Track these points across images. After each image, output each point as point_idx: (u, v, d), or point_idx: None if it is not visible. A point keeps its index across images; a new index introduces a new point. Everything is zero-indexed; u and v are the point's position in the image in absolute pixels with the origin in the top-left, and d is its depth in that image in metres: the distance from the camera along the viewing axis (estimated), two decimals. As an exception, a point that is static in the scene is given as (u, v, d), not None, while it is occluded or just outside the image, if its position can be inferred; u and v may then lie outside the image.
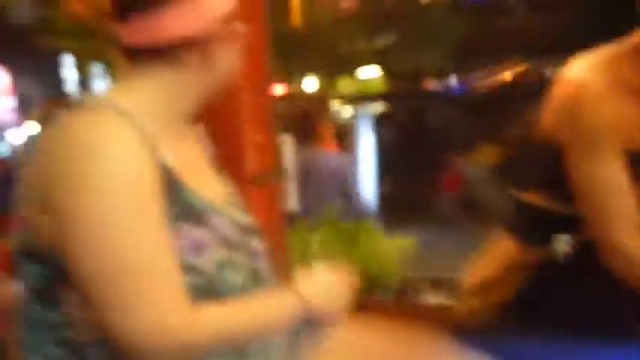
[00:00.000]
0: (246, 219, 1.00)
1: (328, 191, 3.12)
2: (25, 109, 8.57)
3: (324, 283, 0.96)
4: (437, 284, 2.53)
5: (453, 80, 8.75)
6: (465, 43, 7.31)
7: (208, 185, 0.98)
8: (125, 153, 0.82)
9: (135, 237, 0.80)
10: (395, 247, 2.42)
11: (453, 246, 4.87)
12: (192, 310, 0.83)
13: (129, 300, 0.79)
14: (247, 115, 1.87)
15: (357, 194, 3.27)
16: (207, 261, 0.88)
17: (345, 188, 3.20)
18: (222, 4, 0.93)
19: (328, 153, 3.54)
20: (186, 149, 0.98)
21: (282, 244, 1.95)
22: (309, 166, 3.21)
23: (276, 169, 2.03)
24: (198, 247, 0.88)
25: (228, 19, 0.94)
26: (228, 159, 1.20)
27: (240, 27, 0.97)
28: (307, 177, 3.14)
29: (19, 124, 8.33)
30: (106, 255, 0.79)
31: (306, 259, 2.16)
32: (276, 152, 2.05)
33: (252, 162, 1.93)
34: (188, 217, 0.88)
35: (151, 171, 0.84)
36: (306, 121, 3.39)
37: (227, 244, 0.92)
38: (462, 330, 1.38)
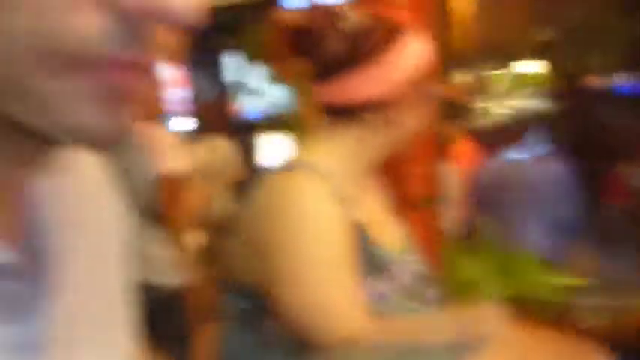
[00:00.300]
0: (422, 266, 1.06)
1: (527, 207, 2.83)
2: (195, 100, 9.19)
3: (481, 313, 1.00)
4: (599, 309, 2.40)
5: (621, 79, 8.10)
6: (636, 41, 6.73)
7: (388, 233, 1.05)
8: (325, 212, 0.94)
9: (332, 279, 0.93)
10: (556, 277, 2.33)
11: (617, 264, 4.49)
12: (373, 328, 0.94)
13: (327, 326, 0.93)
14: (412, 148, 1.90)
15: (565, 211, 2.93)
16: (388, 309, 0.98)
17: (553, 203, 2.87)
18: (410, 69, 0.97)
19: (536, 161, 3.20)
20: (369, 199, 1.05)
21: (440, 269, 1.96)
22: (511, 177, 2.95)
23: (436, 196, 2.05)
24: (381, 297, 0.98)
25: (417, 82, 0.97)
26: (390, 186, 1.24)
27: (428, 89, 1.00)
28: (506, 189, 2.89)
29: (189, 113, 8.95)
30: (310, 293, 0.93)
31: (461, 285, 2.14)
32: (437, 180, 2.06)
33: (413, 190, 1.96)
34: (374, 269, 0.98)
35: (345, 227, 0.95)
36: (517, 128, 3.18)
37: (406, 293, 1.01)
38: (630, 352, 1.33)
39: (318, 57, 0.99)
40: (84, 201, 0.48)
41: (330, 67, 0.98)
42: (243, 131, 6.38)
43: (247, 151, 6.63)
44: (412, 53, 0.98)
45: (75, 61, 0.34)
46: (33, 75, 0.33)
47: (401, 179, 1.89)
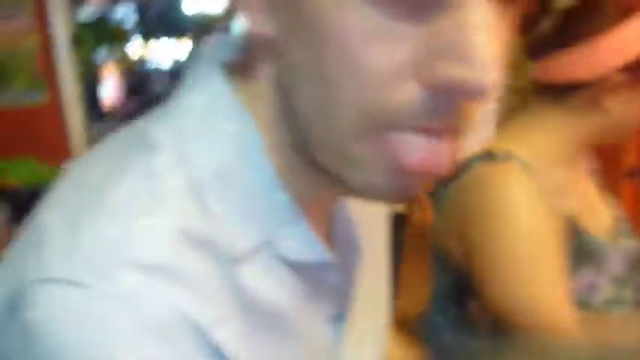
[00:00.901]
0: (636, 247, 1.00)
1: None
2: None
3: None
4: None
5: None
6: None
7: (599, 216, 1.01)
8: (529, 204, 0.91)
9: (539, 275, 0.91)
10: None
11: None
12: (578, 325, 0.91)
13: (531, 312, 0.90)
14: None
15: None
16: (598, 299, 0.95)
17: None
18: (628, 54, 0.89)
19: None
20: (576, 183, 1.00)
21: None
22: None
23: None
24: (591, 287, 0.95)
25: (632, 68, 0.90)
26: (604, 154, 1.16)
27: None
28: None
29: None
30: (513, 284, 0.92)
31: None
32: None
33: (630, 156, 1.81)
34: (585, 259, 0.95)
35: (551, 222, 0.92)
36: None
37: (618, 282, 0.96)
38: None
39: (532, 33, 0.95)
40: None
41: (542, 45, 0.94)
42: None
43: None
44: (634, 39, 0.90)
45: (385, 128, 0.39)
46: (349, 139, 0.40)
47: (617, 147, 1.75)
